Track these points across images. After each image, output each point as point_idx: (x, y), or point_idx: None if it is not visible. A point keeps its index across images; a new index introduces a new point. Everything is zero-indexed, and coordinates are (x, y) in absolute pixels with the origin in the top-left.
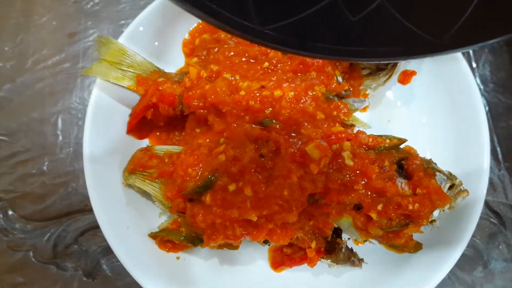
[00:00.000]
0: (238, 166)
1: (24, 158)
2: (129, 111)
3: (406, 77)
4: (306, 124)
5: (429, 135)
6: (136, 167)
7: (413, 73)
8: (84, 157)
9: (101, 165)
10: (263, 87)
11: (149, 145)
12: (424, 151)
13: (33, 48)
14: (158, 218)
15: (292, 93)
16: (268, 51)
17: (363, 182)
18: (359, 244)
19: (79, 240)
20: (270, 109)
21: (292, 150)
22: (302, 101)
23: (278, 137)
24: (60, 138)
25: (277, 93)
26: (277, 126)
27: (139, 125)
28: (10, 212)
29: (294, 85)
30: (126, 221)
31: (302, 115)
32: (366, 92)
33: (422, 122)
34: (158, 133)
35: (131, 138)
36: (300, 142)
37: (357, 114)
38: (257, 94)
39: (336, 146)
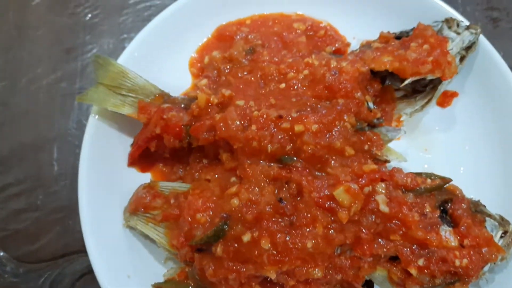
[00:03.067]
0: (254, 212)
1: (16, 191)
2: (130, 140)
3: (446, 98)
4: (332, 162)
5: (474, 167)
6: (138, 207)
7: (454, 94)
8: (80, 193)
9: (99, 202)
10: (280, 116)
11: (153, 180)
12: (467, 186)
13: (26, 65)
14: (163, 264)
15: (316, 126)
16: (287, 70)
17: (401, 231)
18: None
19: (77, 285)
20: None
21: (317, 195)
22: (328, 135)
23: (300, 179)
24: (56, 168)
25: (298, 127)
26: (299, 164)
27: (142, 156)
28: (0, 253)
29: (318, 116)
30: (127, 268)
31: (328, 151)
32: (401, 119)
33: (465, 151)
34: (161, 165)
35: (133, 171)
36: (326, 184)
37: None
38: (273, 128)
39: (368, 189)
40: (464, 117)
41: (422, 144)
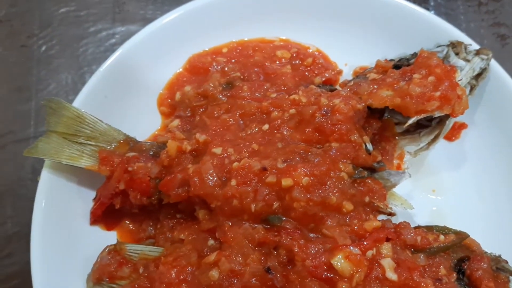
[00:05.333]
0: (237, 285)
1: None
2: (92, 193)
3: (454, 131)
4: (328, 221)
5: (490, 209)
6: (102, 276)
7: (463, 126)
8: (32, 260)
9: (57, 269)
10: (265, 169)
11: (119, 240)
12: (484, 233)
13: None
14: None
15: (307, 179)
16: (271, 109)
17: None
18: None
19: None
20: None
21: (312, 263)
22: (321, 189)
23: (291, 243)
24: (9, 226)
25: (286, 182)
26: (288, 224)
27: (107, 212)
28: None
29: (309, 166)
30: None
31: (323, 209)
32: (404, 160)
33: (478, 190)
34: (128, 222)
35: (97, 229)
36: (322, 249)
37: None
38: (257, 183)
39: (372, 252)
40: (475, 151)
41: (429, 185)
